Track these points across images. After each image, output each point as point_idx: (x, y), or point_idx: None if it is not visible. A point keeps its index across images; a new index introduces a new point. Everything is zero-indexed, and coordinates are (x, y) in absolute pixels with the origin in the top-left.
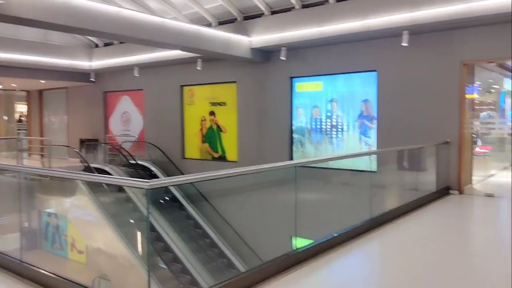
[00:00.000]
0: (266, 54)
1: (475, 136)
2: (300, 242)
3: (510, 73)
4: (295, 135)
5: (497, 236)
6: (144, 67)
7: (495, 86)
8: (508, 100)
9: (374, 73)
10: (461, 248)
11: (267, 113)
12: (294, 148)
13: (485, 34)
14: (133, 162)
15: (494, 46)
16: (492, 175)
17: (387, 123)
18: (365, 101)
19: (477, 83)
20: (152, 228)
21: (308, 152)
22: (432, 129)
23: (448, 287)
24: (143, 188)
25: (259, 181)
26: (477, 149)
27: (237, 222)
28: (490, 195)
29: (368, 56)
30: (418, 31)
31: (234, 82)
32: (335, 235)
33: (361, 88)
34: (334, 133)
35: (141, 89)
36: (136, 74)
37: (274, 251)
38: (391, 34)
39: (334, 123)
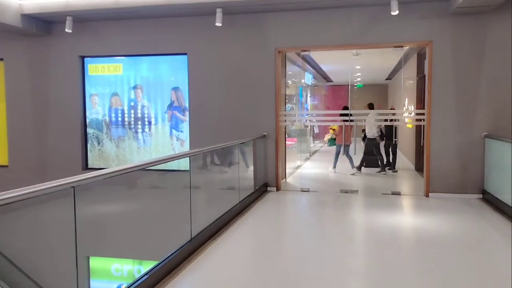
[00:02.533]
0: (45, 25)
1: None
2: None
3: (310, 67)
4: (89, 130)
5: (324, 239)
6: None
7: (293, 80)
8: (304, 94)
9: (185, 56)
10: (289, 262)
11: (50, 102)
12: (89, 147)
13: (297, 20)
14: None
15: (305, 34)
16: (299, 167)
17: (200, 115)
18: (176, 89)
19: None
20: None
21: (107, 151)
22: (249, 121)
23: None
24: None
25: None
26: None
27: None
28: (305, 190)
29: (178, 36)
30: (232, 10)
31: (0, 60)
32: (143, 277)
33: (170, 74)
34: (140, 126)
35: None
36: None
37: None
38: (204, 11)
39: (139, 115)
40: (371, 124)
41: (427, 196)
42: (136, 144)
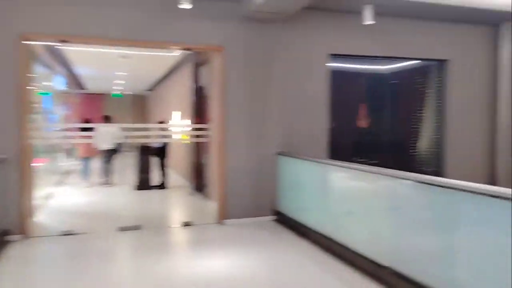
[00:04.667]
0: None
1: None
2: None
3: (61, 69)
4: None
5: None
6: None
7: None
8: (53, 102)
9: None
10: None
11: None
12: None
13: None
14: None
15: (67, 17)
16: (50, 196)
17: None
18: None
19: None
20: None
21: None
22: None
23: None
24: None
25: None
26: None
27: None
28: (68, 234)
29: None
30: None
31: None
32: None
33: None
34: None
35: None
36: None
37: None
38: None
39: None
40: (104, 136)
41: (222, 223)
42: None
